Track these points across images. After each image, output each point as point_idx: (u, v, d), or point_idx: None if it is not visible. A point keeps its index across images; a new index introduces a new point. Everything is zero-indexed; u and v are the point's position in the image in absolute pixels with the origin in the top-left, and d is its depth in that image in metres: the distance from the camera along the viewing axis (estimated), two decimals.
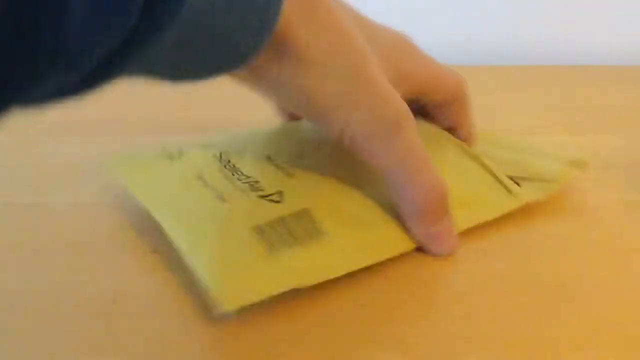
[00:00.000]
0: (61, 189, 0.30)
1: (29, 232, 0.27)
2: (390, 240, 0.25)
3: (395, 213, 0.26)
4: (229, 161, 0.28)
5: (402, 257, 0.25)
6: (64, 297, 0.23)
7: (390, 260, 0.25)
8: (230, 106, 0.40)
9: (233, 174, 0.27)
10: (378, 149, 0.24)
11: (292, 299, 0.23)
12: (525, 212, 0.28)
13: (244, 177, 0.27)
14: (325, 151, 0.28)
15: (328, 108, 0.24)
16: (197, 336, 0.21)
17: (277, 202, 0.26)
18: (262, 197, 0.26)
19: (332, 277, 0.23)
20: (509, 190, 0.28)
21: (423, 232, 0.25)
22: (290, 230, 0.24)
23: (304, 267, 0.23)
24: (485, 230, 0.27)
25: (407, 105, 0.25)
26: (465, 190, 0.28)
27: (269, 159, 0.28)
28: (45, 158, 0.34)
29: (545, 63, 0.53)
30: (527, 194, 0.28)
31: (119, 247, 0.26)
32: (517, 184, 0.29)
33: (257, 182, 0.27)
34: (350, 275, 0.24)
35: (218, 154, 0.29)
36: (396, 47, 0.27)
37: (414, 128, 0.25)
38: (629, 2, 0.54)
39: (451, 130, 0.30)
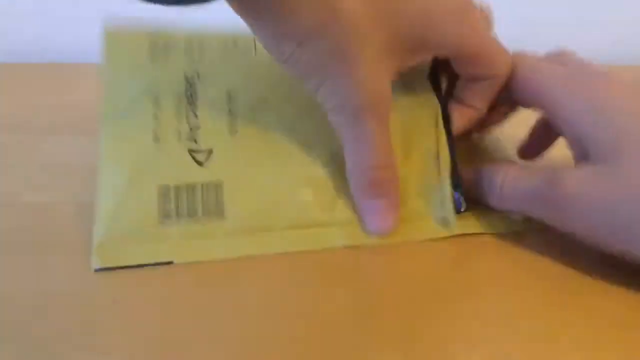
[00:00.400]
0: (62, 188, 0.30)
1: (29, 231, 0.27)
2: (294, 236, 0.26)
3: (325, 196, 0.27)
4: (193, 88, 0.27)
5: (402, 256, 0.26)
6: (64, 296, 0.23)
7: (390, 259, 0.25)
8: None
9: (188, 107, 0.27)
10: (339, 124, 0.25)
11: (291, 298, 0.23)
12: None
13: (191, 114, 0.27)
14: (292, 101, 0.28)
15: (303, 72, 0.24)
16: (198, 335, 0.21)
17: (199, 164, 0.26)
18: (190, 151, 0.26)
19: (209, 259, 0.25)
20: (445, 219, 0.27)
21: (360, 203, 0.27)
22: (193, 202, 0.25)
23: (186, 245, 0.25)
24: (493, 232, 0.27)
25: (385, 90, 0.24)
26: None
27: (229, 97, 0.27)
28: (46, 157, 0.34)
29: None
30: (465, 225, 0.27)
31: None
32: (462, 206, 0.27)
33: (198, 128, 0.27)
34: (351, 275, 0.24)
35: (191, 74, 0.28)
36: (437, 11, 0.24)
37: (383, 115, 0.25)
38: None
39: (469, 107, 0.28)
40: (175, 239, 0.25)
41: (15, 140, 0.35)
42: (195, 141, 0.26)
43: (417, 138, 0.28)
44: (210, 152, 0.26)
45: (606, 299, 0.23)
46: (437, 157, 0.28)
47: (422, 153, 0.28)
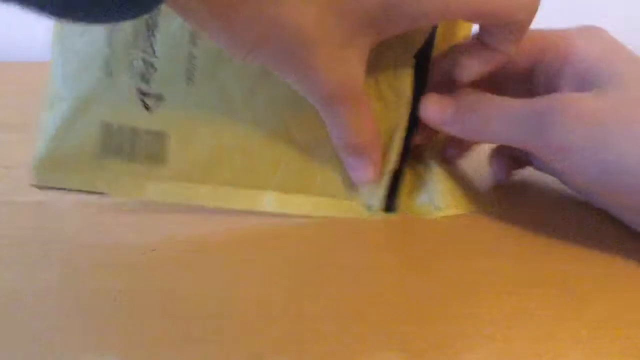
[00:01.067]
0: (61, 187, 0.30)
1: (29, 230, 0.27)
2: (227, 193, 0.27)
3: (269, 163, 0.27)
4: (155, 14, 0.25)
5: (402, 256, 0.26)
6: (64, 294, 0.23)
7: (390, 258, 0.25)
8: None
9: (146, 38, 0.25)
10: (312, 103, 0.25)
11: (291, 298, 0.23)
12: (525, 211, 0.28)
13: (149, 49, 0.25)
14: None
15: (263, 67, 0.24)
16: (197, 335, 0.21)
17: (147, 109, 0.25)
18: (140, 92, 0.25)
19: (143, 198, 0.26)
20: (372, 207, 0.28)
21: (344, 160, 0.28)
22: (134, 145, 0.25)
23: (123, 181, 0.26)
24: (486, 230, 0.27)
25: (352, 76, 0.24)
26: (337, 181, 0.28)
27: (193, 38, 0.25)
28: None
29: None
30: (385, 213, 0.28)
31: (119, 245, 0.26)
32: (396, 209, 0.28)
33: (153, 67, 0.25)
34: (350, 274, 0.24)
35: None
36: None
37: (353, 98, 0.25)
38: None
39: (494, 51, 0.25)
40: (113, 173, 0.26)
41: (17, 138, 0.35)
42: (148, 82, 0.25)
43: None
44: (160, 98, 0.25)
45: (605, 296, 0.23)
46: (386, 151, 0.28)
47: None
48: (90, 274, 0.24)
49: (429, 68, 0.27)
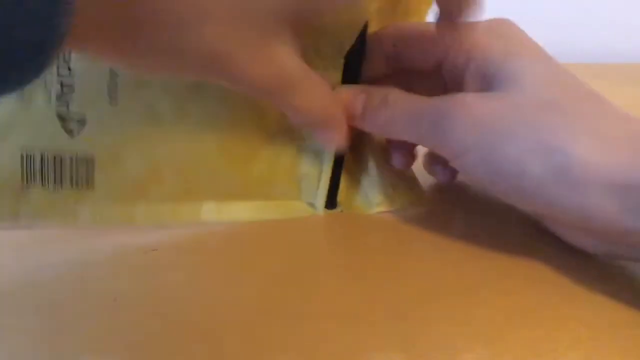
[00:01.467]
0: None
1: (29, 230, 0.27)
2: (159, 210, 0.26)
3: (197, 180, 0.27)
4: None
5: (402, 256, 0.26)
6: (64, 295, 0.23)
7: (390, 258, 0.25)
8: None
9: (61, 56, 0.23)
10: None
11: (291, 298, 0.23)
12: (476, 209, 0.28)
13: (65, 70, 0.24)
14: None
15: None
16: (197, 335, 0.21)
17: (69, 133, 0.24)
18: (61, 117, 0.24)
19: (74, 225, 0.25)
20: (314, 205, 0.29)
21: (311, 131, 0.27)
22: (60, 172, 0.24)
23: (51, 209, 0.25)
24: (485, 230, 0.27)
25: (282, 68, 0.23)
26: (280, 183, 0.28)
27: None
28: None
29: None
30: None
31: (119, 245, 0.26)
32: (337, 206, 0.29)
33: (71, 90, 0.24)
34: (350, 274, 0.24)
35: None
36: None
37: (293, 87, 0.24)
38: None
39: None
40: (39, 203, 0.25)
41: None
42: (67, 105, 0.24)
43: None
44: (82, 122, 0.24)
45: (604, 296, 0.23)
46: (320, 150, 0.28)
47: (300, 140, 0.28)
48: (90, 274, 0.24)
49: (361, 67, 0.27)
